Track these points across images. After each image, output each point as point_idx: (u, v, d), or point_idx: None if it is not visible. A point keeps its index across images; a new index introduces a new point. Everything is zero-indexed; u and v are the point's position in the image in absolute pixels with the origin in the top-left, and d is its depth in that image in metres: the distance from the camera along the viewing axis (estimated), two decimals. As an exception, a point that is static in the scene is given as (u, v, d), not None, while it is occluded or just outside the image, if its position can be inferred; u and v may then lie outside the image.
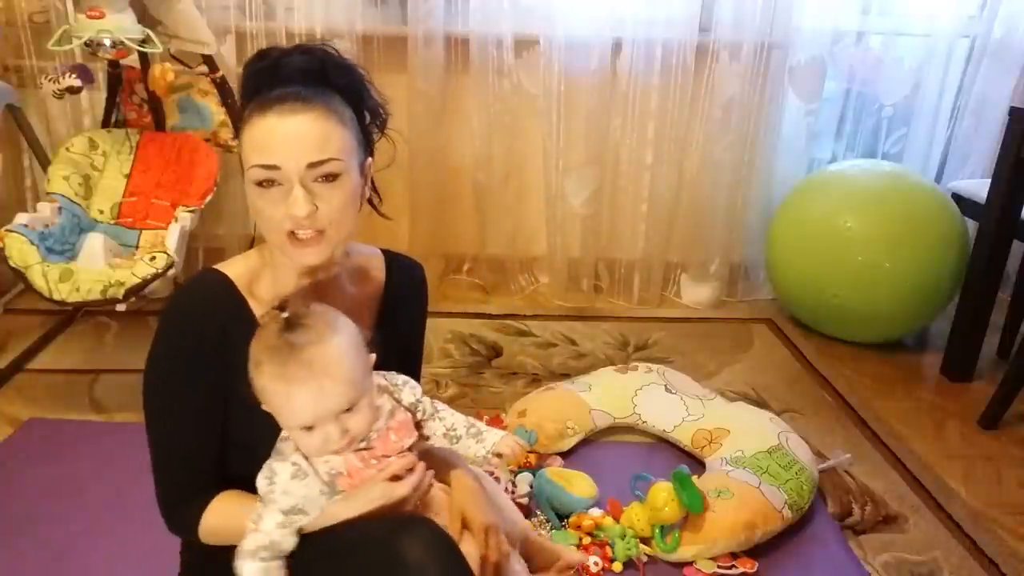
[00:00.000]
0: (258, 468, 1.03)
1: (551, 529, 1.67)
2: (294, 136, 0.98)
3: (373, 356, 1.04)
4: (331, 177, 1.00)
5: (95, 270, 2.00)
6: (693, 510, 1.60)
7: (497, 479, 1.76)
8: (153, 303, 2.41)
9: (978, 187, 2.48)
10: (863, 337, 2.67)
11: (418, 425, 1.11)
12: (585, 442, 2.02)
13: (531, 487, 1.77)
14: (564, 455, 1.96)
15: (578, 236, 2.94)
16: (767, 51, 2.73)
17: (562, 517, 1.71)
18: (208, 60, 2.31)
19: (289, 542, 1.00)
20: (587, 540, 1.65)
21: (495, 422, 2.01)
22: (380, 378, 1.10)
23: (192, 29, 2.24)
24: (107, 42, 2.05)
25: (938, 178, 2.99)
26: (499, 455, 1.15)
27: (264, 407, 1.00)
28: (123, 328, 2.55)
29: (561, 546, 1.53)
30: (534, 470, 1.83)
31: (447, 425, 1.15)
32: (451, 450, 1.18)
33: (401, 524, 1.00)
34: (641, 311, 2.93)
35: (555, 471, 1.82)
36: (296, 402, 0.97)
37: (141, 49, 2.11)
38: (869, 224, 2.49)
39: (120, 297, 1.92)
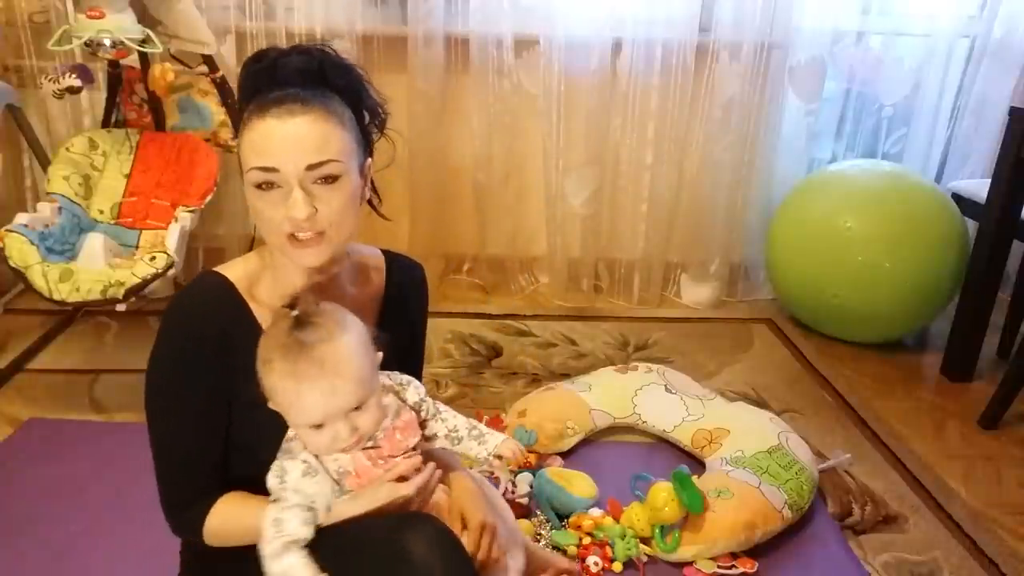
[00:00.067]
0: (259, 469, 1.03)
1: (551, 529, 1.67)
2: (293, 138, 0.98)
3: (380, 354, 1.05)
4: (330, 179, 1.00)
5: (95, 270, 2.00)
6: (693, 510, 1.60)
7: (497, 480, 1.77)
8: (153, 303, 2.41)
9: (978, 187, 2.48)
10: (863, 337, 2.67)
11: (421, 425, 1.12)
12: (585, 442, 2.02)
13: (531, 487, 1.77)
14: (564, 455, 1.96)
15: (578, 236, 2.94)
16: (767, 51, 2.73)
17: (562, 517, 1.71)
18: (208, 60, 2.31)
19: (310, 532, 1.00)
20: (587, 540, 1.65)
21: (495, 422, 2.01)
22: (385, 377, 1.10)
23: (192, 29, 2.24)
24: (107, 42, 2.05)
25: (938, 178, 2.99)
26: (499, 457, 1.16)
27: (272, 406, 1.00)
28: (123, 328, 2.55)
29: (554, 553, 1.53)
30: (534, 470, 1.83)
31: (449, 426, 1.15)
32: (450, 452, 1.19)
33: (406, 521, 1.00)
34: (641, 311, 2.93)
35: (555, 471, 1.82)
36: (306, 400, 0.97)
37: (141, 49, 2.11)
38: (869, 224, 2.49)
39: (120, 297, 1.92)
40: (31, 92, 2.62)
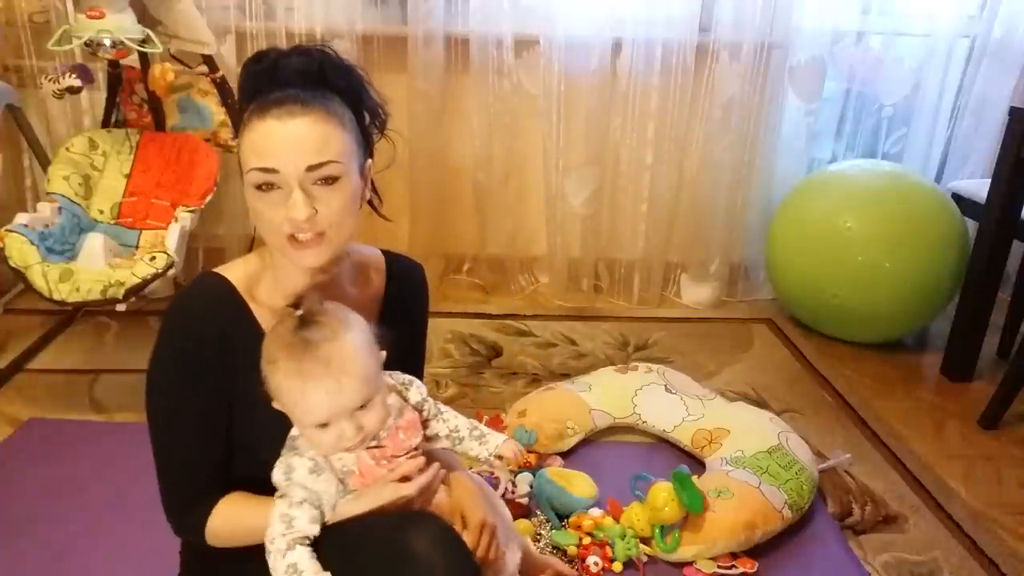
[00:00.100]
0: (261, 469, 1.03)
1: (551, 529, 1.67)
2: (293, 139, 0.98)
3: (384, 353, 1.05)
4: (330, 180, 1.00)
5: (95, 270, 2.00)
6: (693, 510, 1.60)
7: (497, 480, 1.77)
8: (153, 303, 2.41)
9: (978, 187, 2.48)
10: (863, 337, 2.67)
11: (423, 424, 1.12)
12: (585, 442, 2.02)
13: (531, 487, 1.77)
14: (564, 455, 1.96)
15: (578, 236, 2.94)
16: (767, 51, 2.73)
17: (562, 517, 1.71)
18: (208, 60, 2.31)
19: (317, 530, 1.00)
20: (587, 540, 1.65)
21: (495, 422, 2.01)
22: (388, 377, 1.10)
23: (192, 29, 2.24)
24: (107, 42, 2.05)
25: (938, 178, 2.99)
26: (500, 457, 1.16)
27: (277, 406, 1.00)
28: (123, 328, 2.55)
29: (552, 558, 1.53)
30: (534, 470, 1.83)
31: (450, 426, 1.16)
32: (450, 452, 1.19)
33: (408, 519, 1.01)
34: (641, 311, 2.93)
35: (555, 471, 1.82)
36: (312, 399, 0.97)
37: (141, 49, 2.11)
38: (869, 224, 2.49)
39: (120, 297, 1.92)
40: (31, 92, 2.62)
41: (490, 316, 2.78)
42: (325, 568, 0.97)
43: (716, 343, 2.67)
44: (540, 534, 1.65)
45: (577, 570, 1.57)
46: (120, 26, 2.05)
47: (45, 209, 2.14)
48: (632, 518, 1.67)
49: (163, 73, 2.21)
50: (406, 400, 1.11)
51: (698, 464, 1.91)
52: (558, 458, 1.94)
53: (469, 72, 2.74)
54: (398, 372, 1.14)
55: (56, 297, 1.92)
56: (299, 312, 0.99)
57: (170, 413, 1.07)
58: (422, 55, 2.69)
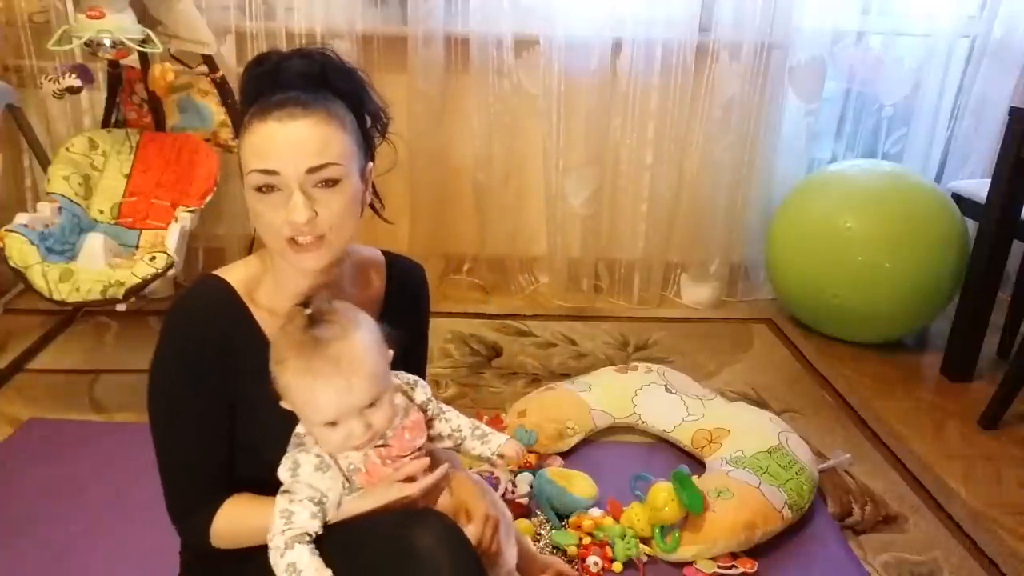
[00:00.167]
0: (264, 469, 1.03)
1: (551, 529, 1.67)
2: (294, 141, 0.98)
3: (391, 352, 1.05)
4: (331, 182, 1.00)
5: (95, 270, 2.00)
6: (693, 510, 1.60)
7: (497, 479, 1.77)
8: (153, 303, 2.41)
9: (978, 187, 2.48)
10: (863, 337, 2.67)
11: (428, 424, 1.12)
12: (585, 442, 2.02)
13: (531, 487, 1.77)
14: (564, 455, 1.96)
15: (578, 236, 2.94)
16: (767, 51, 2.73)
17: (562, 517, 1.71)
18: (208, 60, 2.31)
19: (318, 526, 1.00)
20: (587, 540, 1.65)
21: (495, 422, 2.01)
22: (393, 377, 1.10)
23: (192, 29, 2.24)
24: (107, 42, 2.04)
25: (938, 178, 2.99)
26: (502, 456, 1.17)
27: (285, 405, 1.01)
28: (123, 328, 2.55)
29: (554, 558, 1.53)
30: (534, 470, 1.83)
31: (453, 426, 1.17)
32: (450, 452, 1.19)
33: (413, 517, 1.01)
34: (641, 311, 2.93)
35: (555, 471, 1.82)
36: (321, 397, 0.97)
37: (141, 49, 2.11)
38: (869, 224, 2.49)
39: (120, 297, 1.92)
40: (31, 92, 2.62)
41: (490, 316, 2.78)
42: (329, 565, 0.97)
43: (716, 343, 2.67)
44: (540, 534, 1.66)
45: (577, 570, 1.57)
46: (120, 26, 2.05)
47: (45, 209, 2.14)
48: (632, 518, 1.67)
49: (163, 73, 2.21)
50: (411, 400, 1.12)
51: (698, 464, 1.91)
52: (558, 458, 1.94)
53: (469, 72, 2.74)
54: (403, 372, 1.14)
55: (56, 297, 1.92)
56: (309, 311, 0.99)
57: (171, 414, 1.07)
58: (422, 55, 2.69)
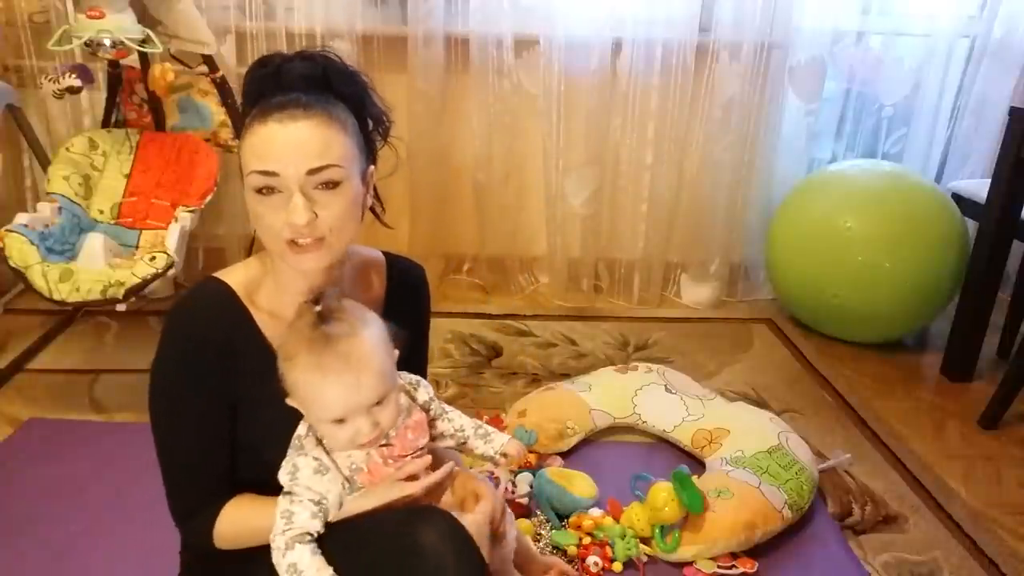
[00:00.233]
0: (265, 470, 1.03)
1: (551, 529, 1.67)
2: (294, 143, 0.98)
3: (397, 352, 1.05)
4: (331, 184, 1.00)
5: (95, 270, 2.00)
6: (693, 510, 1.60)
7: (497, 479, 1.77)
8: (153, 303, 2.41)
9: (978, 187, 2.48)
10: (863, 337, 2.67)
11: (430, 424, 1.13)
12: (585, 442, 2.02)
13: (531, 487, 1.77)
14: (564, 455, 1.96)
15: (578, 236, 2.94)
16: (767, 51, 2.73)
17: (562, 517, 1.71)
18: (208, 60, 2.31)
19: (319, 526, 1.00)
20: (587, 540, 1.65)
21: (495, 422, 2.01)
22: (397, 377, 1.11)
23: (192, 29, 2.24)
24: (107, 42, 2.04)
25: (938, 178, 2.99)
26: (505, 455, 1.18)
27: (292, 403, 1.01)
28: (123, 328, 2.55)
29: (555, 559, 1.54)
30: (534, 470, 1.83)
31: (455, 426, 1.17)
32: (451, 451, 1.20)
33: (416, 514, 1.01)
34: (641, 311, 2.93)
35: (555, 471, 1.82)
36: (330, 394, 0.98)
37: (141, 49, 2.11)
38: (869, 224, 2.49)
39: (120, 297, 1.92)
40: (31, 92, 2.62)
41: (490, 316, 2.78)
42: (332, 564, 0.97)
43: (716, 343, 2.67)
44: (540, 534, 1.66)
45: (577, 570, 1.57)
46: (120, 26, 2.05)
47: (45, 209, 2.14)
48: (632, 518, 1.67)
49: (163, 73, 2.21)
50: (414, 400, 1.12)
51: (698, 464, 1.91)
52: (558, 458, 1.94)
53: (469, 72, 2.74)
54: (405, 372, 1.14)
55: (56, 297, 1.92)
56: (318, 308, 0.99)
57: (172, 416, 1.07)
58: (422, 55, 2.68)
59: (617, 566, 1.60)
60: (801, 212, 2.68)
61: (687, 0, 2.66)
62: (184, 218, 2.13)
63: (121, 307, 1.97)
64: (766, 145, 2.87)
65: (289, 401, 1.01)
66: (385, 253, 1.26)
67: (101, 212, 2.30)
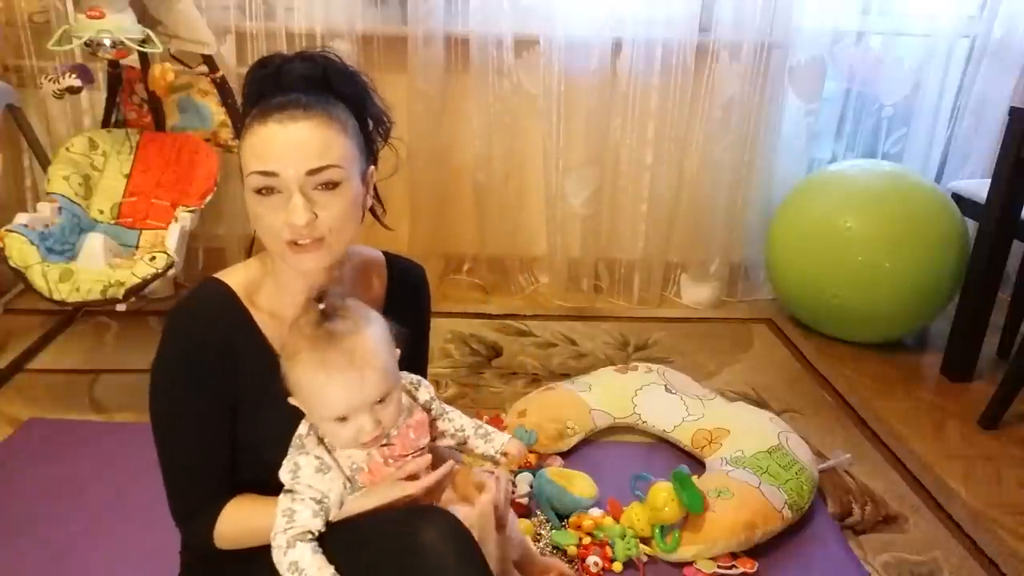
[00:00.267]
0: (265, 470, 1.04)
1: (551, 529, 1.67)
2: (294, 143, 0.98)
3: (399, 351, 1.06)
4: (331, 185, 1.00)
5: (95, 270, 2.00)
6: (693, 510, 1.60)
7: (497, 479, 1.76)
8: (153, 303, 2.41)
9: (978, 187, 2.48)
10: (863, 337, 2.67)
11: (431, 424, 1.13)
12: (585, 442, 2.02)
13: (531, 487, 1.77)
14: (564, 455, 1.96)
15: (578, 236, 2.94)
16: (767, 51, 2.73)
17: (562, 517, 1.71)
18: (208, 60, 2.31)
19: (320, 525, 1.01)
20: (587, 540, 1.65)
21: (495, 422, 2.01)
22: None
23: (192, 29, 2.24)
24: (107, 42, 2.04)
25: (938, 178, 2.99)
26: (506, 455, 1.19)
27: (294, 401, 1.01)
28: (123, 328, 2.55)
29: (556, 560, 1.54)
30: (534, 470, 1.83)
31: (456, 426, 1.18)
32: (451, 451, 1.20)
33: (416, 513, 1.02)
34: (641, 311, 2.93)
35: (555, 471, 1.82)
36: (334, 391, 0.98)
37: (141, 49, 2.11)
38: (869, 224, 2.49)
39: (120, 297, 1.92)
40: (31, 92, 2.62)
41: (490, 316, 2.78)
42: (333, 563, 0.97)
43: (716, 343, 2.67)
44: (540, 534, 1.66)
45: (577, 570, 1.57)
46: (120, 26, 2.05)
47: (45, 209, 2.14)
48: (632, 518, 1.67)
49: (163, 73, 2.21)
50: (415, 400, 1.12)
51: (698, 464, 1.91)
52: (558, 458, 1.94)
53: (469, 72, 2.74)
54: (406, 372, 1.14)
55: (56, 297, 1.92)
56: (322, 306, 0.99)
57: (173, 417, 1.08)
58: (422, 55, 2.68)
59: (617, 566, 1.60)
60: (801, 212, 2.68)
61: (687, 0, 2.66)
62: (184, 218, 2.13)
63: (121, 307, 1.97)
64: (766, 145, 2.87)
65: (291, 400, 1.01)
66: (385, 253, 1.26)
67: (101, 212, 2.30)
